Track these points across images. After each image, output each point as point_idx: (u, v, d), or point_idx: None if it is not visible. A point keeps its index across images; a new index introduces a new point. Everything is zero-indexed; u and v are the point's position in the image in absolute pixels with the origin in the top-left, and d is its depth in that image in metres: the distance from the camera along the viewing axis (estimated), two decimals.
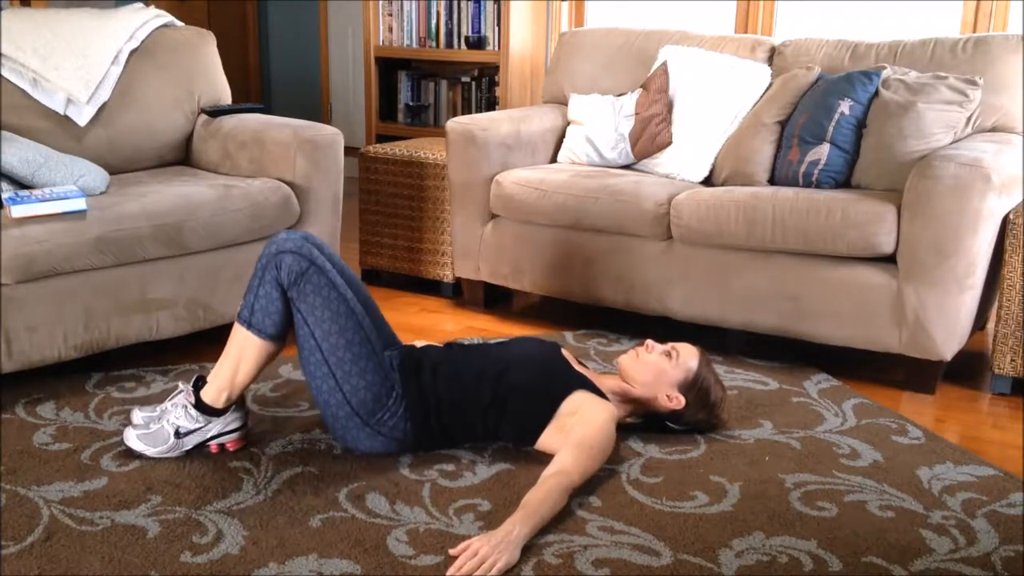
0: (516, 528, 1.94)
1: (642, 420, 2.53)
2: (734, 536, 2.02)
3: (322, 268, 2.26)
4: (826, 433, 2.54)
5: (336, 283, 2.27)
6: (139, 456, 2.31)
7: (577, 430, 2.24)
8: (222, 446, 2.35)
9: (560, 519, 2.06)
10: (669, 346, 2.48)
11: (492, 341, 2.61)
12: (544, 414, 2.30)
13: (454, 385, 2.32)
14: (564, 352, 2.49)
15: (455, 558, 1.89)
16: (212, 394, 2.32)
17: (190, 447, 2.32)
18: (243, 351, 2.29)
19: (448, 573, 1.86)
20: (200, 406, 2.31)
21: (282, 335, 2.30)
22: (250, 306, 2.28)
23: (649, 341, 2.49)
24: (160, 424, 2.32)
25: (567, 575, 1.87)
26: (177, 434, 2.30)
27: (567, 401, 2.31)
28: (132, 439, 2.32)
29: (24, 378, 2.73)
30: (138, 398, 2.69)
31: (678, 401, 2.43)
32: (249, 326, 2.27)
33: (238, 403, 2.36)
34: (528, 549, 1.94)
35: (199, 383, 2.35)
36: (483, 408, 2.32)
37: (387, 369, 2.28)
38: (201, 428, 2.32)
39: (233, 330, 2.33)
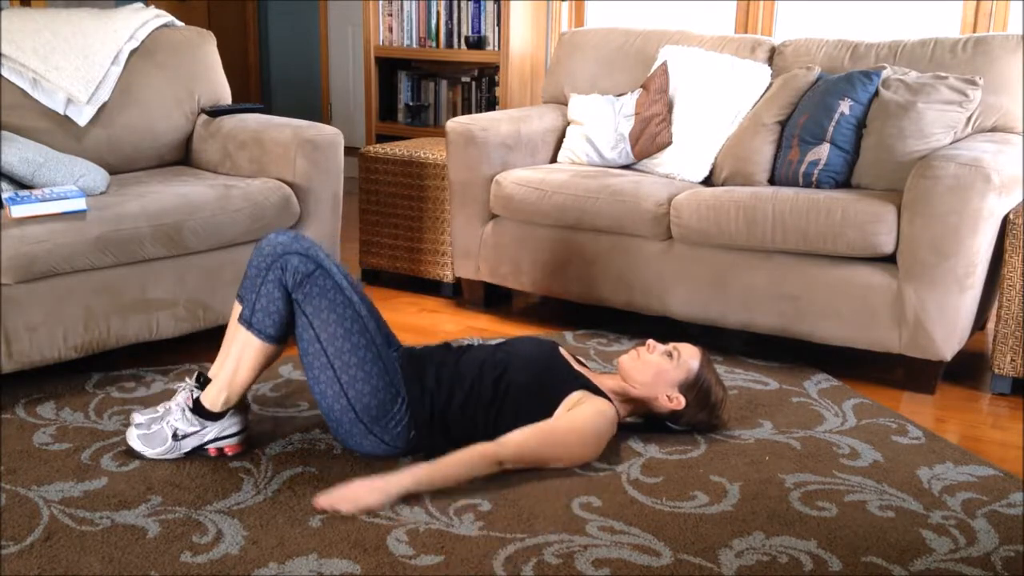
0: (403, 480, 2.09)
1: (642, 420, 2.53)
2: (734, 536, 2.02)
3: (328, 271, 2.24)
4: (826, 433, 2.54)
5: (342, 286, 2.25)
6: (138, 456, 2.31)
7: (557, 419, 2.27)
8: (220, 450, 2.33)
9: (560, 519, 2.06)
10: (670, 346, 2.48)
11: (490, 342, 2.61)
12: (543, 415, 2.30)
13: (455, 390, 2.32)
14: (562, 351, 2.49)
15: (455, 560, 1.89)
16: (211, 397, 2.30)
17: (187, 450, 2.30)
18: (243, 352, 2.26)
19: (315, 499, 2.06)
20: (198, 409, 2.29)
21: (283, 337, 2.27)
22: (251, 306, 2.24)
23: (650, 341, 2.49)
24: (160, 425, 2.31)
25: (567, 575, 1.87)
26: (175, 436, 2.29)
27: (566, 402, 2.32)
28: (133, 438, 2.32)
29: (24, 378, 2.73)
30: (138, 398, 2.69)
31: (678, 401, 2.43)
32: (250, 326, 2.24)
33: (238, 406, 2.33)
34: (528, 549, 1.94)
35: (201, 379, 2.35)
36: (484, 409, 2.32)
37: (392, 374, 2.26)
38: (198, 432, 2.29)
39: (231, 327, 2.33)
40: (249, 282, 2.28)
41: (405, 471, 2.12)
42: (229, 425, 2.32)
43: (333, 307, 2.21)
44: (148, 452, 2.30)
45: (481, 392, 2.32)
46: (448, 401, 2.31)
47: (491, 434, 2.35)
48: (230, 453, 2.33)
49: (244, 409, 2.37)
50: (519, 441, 2.20)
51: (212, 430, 2.30)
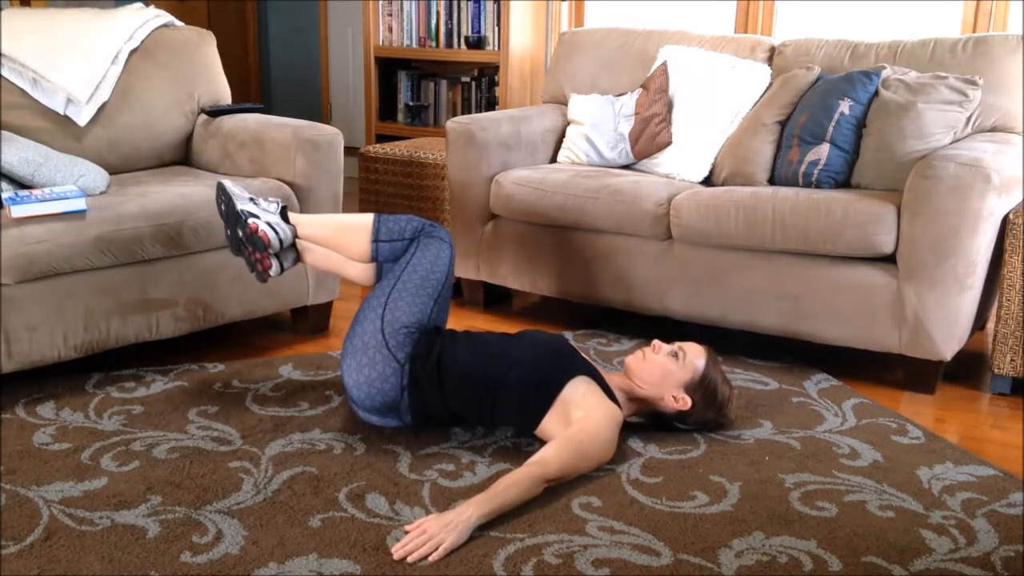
0: (469, 511, 1.98)
1: (648, 419, 2.53)
2: (734, 536, 2.02)
3: (453, 257, 2.55)
4: (826, 433, 2.55)
5: (450, 272, 2.53)
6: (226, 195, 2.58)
7: (576, 424, 2.25)
8: (256, 230, 2.51)
9: (560, 519, 2.06)
10: (676, 346, 2.48)
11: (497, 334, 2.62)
12: (545, 397, 2.31)
13: (456, 358, 2.39)
14: (572, 344, 2.50)
15: (455, 559, 1.89)
16: (298, 216, 2.65)
17: (246, 206, 2.55)
18: (347, 242, 2.56)
19: (393, 549, 1.91)
20: (282, 213, 2.62)
21: (376, 258, 2.54)
22: (393, 225, 2.54)
23: (656, 341, 2.49)
24: (247, 194, 2.63)
25: (567, 575, 1.87)
26: (252, 200, 2.59)
27: (569, 386, 2.32)
28: (229, 183, 2.62)
29: (24, 378, 2.73)
30: (138, 398, 2.69)
31: (684, 402, 2.43)
32: (376, 234, 2.53)
33: (293, 242, 2.60)
34: (528, 549, 1.94)
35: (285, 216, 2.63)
36: (483, 386, 2.35)
37: (427, 320, 2.45)
38: (266, 210, 2.57)
39: (357, 223, 2.58)
40: (402, 215, 2.59)
41: (466, 505, 2.01)
42: (280, 220, 2.57)
43: (436, 260, 2.50)
44: (232, 185, 2.62)
45: (486, 369, 2.36)
46: (446, 364, 2.38)
47: (490, 416, 2.39)
48: (260, 236, 2.50)
49: (291, 248, 2.61)
50: (557, 457, 2.17)
51: (274, 218, 2.56)
